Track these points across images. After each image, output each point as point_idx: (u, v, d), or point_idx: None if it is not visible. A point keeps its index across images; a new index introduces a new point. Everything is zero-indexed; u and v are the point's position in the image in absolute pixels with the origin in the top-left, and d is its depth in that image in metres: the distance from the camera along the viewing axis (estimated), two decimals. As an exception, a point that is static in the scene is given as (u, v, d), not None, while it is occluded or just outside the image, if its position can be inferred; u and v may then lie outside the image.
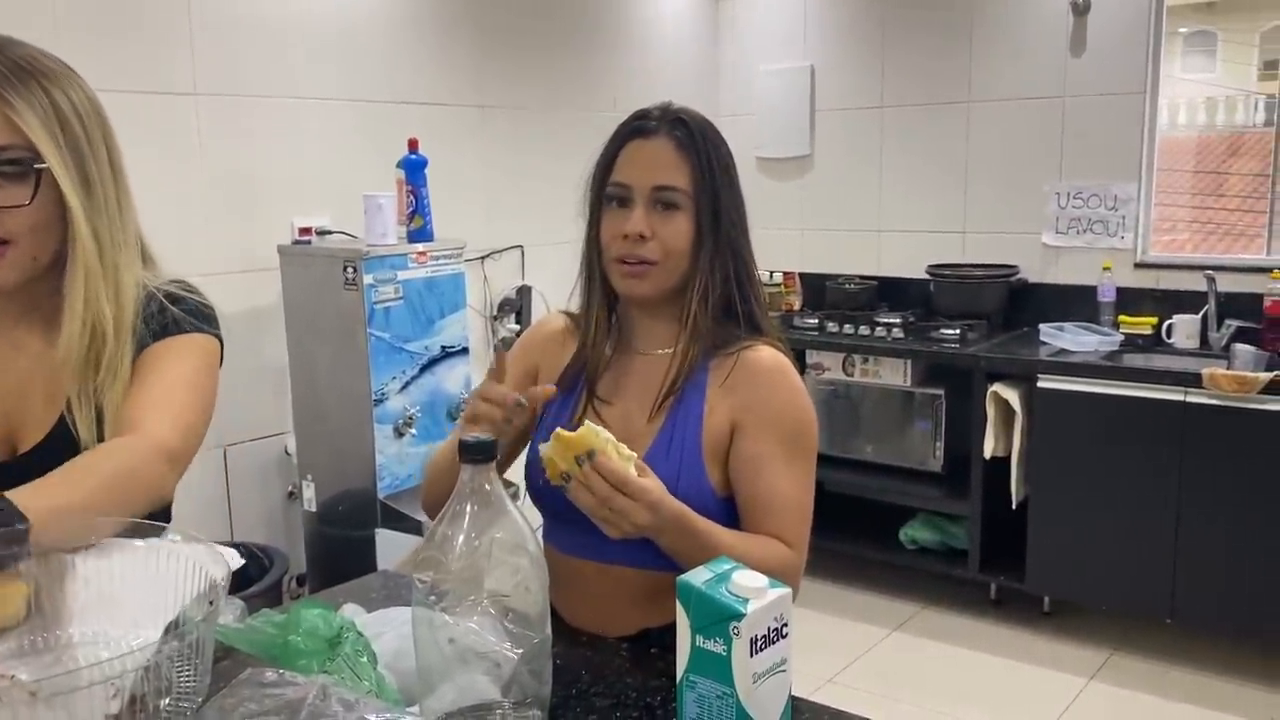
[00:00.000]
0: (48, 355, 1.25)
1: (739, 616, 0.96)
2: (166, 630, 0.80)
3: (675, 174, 1.37)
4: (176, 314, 1.28)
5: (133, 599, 0.93)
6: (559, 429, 1.17)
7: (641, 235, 1.37)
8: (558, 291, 3.82)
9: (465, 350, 3.11)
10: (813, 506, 1.41)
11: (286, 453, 3.13)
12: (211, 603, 0.80)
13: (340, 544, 3.01)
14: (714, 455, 1.39)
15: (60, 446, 1.22)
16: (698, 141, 1.39)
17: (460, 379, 3.09)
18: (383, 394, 2.88)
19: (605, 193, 1.42)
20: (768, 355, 1.41)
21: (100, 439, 1.21)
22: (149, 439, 1.14)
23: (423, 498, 1.53)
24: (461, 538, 0.95)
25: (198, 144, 2.88)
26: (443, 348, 3.03)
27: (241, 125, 2.97)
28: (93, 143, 1.21)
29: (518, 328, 3.76)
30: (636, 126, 1.42)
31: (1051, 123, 3.83)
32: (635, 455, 1.21)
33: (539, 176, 3.82)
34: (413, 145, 2.98)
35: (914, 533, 3.81)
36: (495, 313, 3.76)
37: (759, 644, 0.97)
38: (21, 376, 1.26)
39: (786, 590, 1.00)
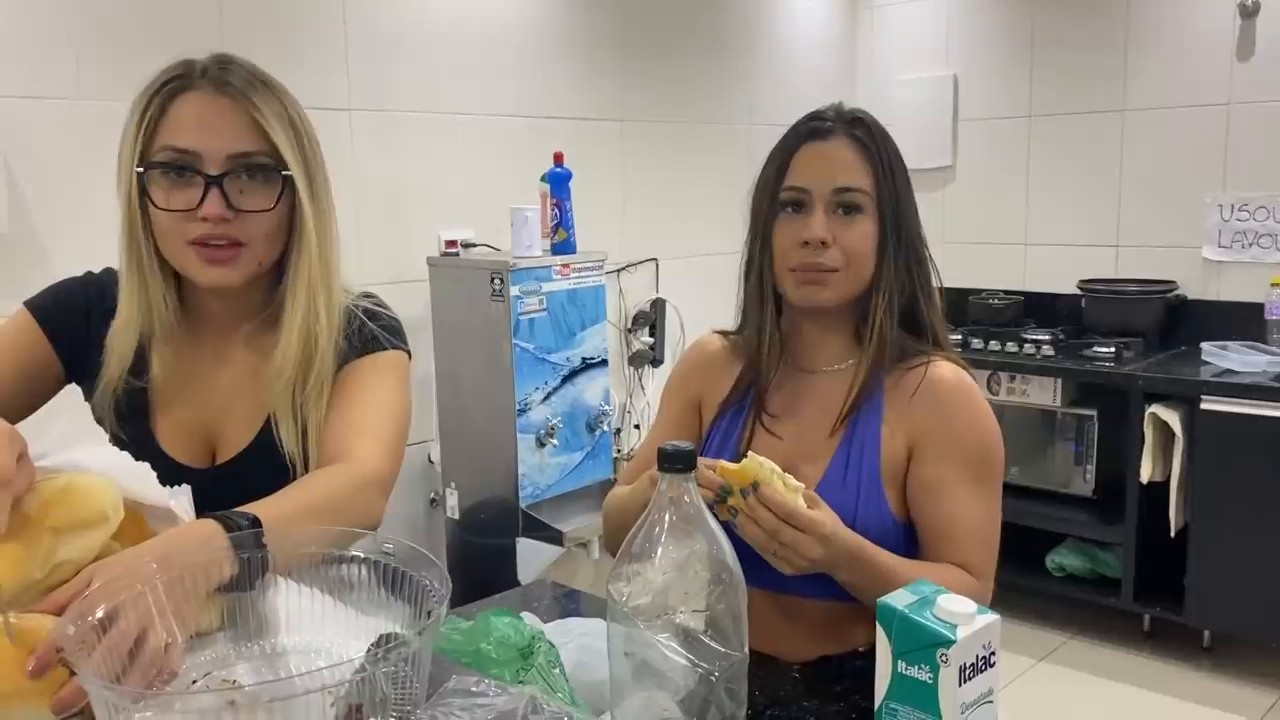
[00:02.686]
0: (252, 367, 1.27)
1: (948, 643, 0.91)
2: (377, 643, 0.80)
3: (856, 175, 1.30)
4: (374, 330, 1.29)
5: (341, 612, 0.93)
6: (722, 462, 1.13)
7: (823, 242, 1.30)
8: (690, 305, 3.82)
9: (605, 362, 3.11)
10: (998, 534, 1.34)
11: (430, 461, 3.18)
12: (430, 614, 0.79)
13: (481, 552, 3.04)
14: (892, 478, 1.32)
15: (261, 458, 1.24)
16: (877, 141, 1.32)
17: (599, 391, 3.10)
18: (526, 404, 2.90)
19: (779, 198, 1.35)
20: (950, 373, 1.34)
21: (304, 452, 1.23)
22: (361, 468, 1.15)
23: (606, 539, 1.49)
24: (660, 550, 0.93)
25: (350, 158, 2.96)
26: (583, 359, 3.04)
27: (392, 140, 3.04)
28: (318, 155, 1.24)
29: (651, 341, 3.75)
30: (812, 128, 1.35)
31: (1214, 131, 3.64)
32: (803, 486, 1.16)
33: (674, 189, 3.82)
34: (558, 159, 3.01)
35: (1062, 559, 3.65)
36: (630, 325, 3.76)
37: (968, 672, 0.92)
38: (226, 388, 1.29)
39: (995, 617, 0.95)
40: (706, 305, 3.61)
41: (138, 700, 0.71)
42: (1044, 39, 4.00)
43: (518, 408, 2.88)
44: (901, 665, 0.94)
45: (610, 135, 3.64)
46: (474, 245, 3.14)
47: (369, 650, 0.76)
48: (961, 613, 0.93)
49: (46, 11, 2.38)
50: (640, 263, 3.77)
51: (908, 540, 1.32)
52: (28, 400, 1.23)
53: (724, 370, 1.47)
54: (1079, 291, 3.84)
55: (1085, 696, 3.21)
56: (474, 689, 0.80)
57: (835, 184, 1.31)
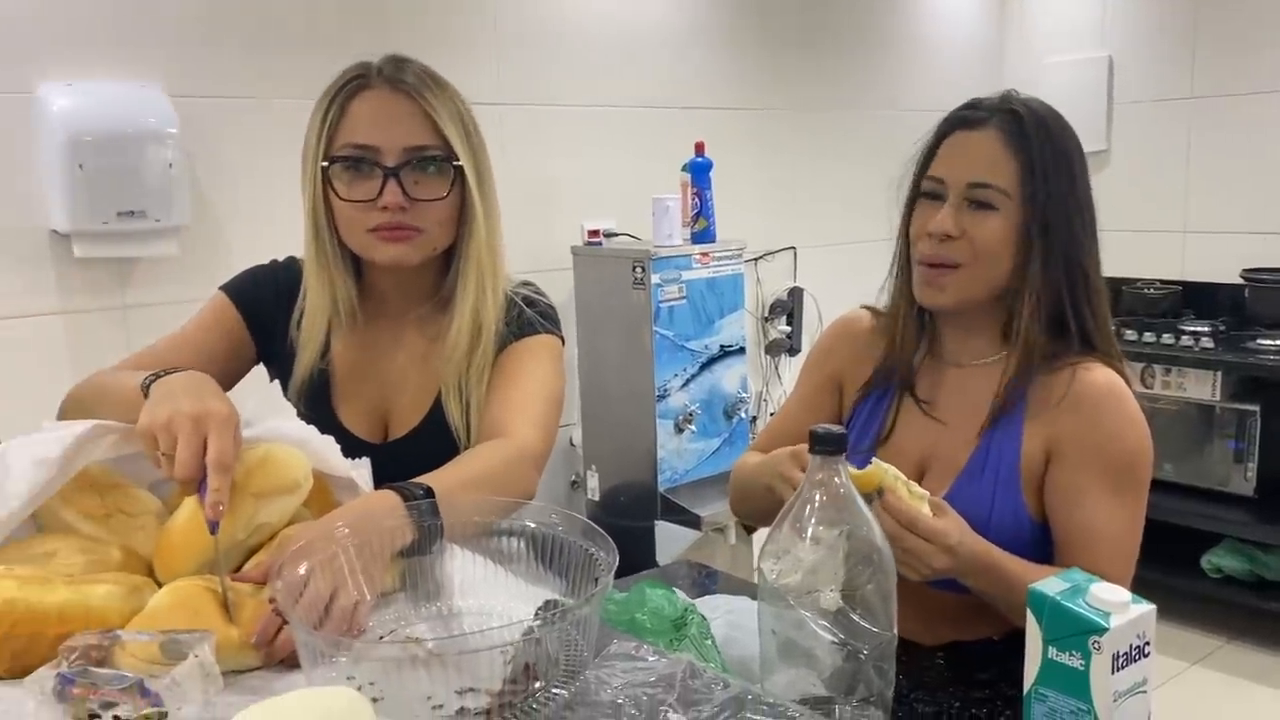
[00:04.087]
0: (423, 350, 1.36)
1: (1101, 631, 0.91)
2: (544, 608, 0.85)
3: (996, 171, 1.26)
4: (532, 316, 1.36)
5: (508, 579, 0.99)
6: (850, 469, 1.14)
7: (948, 234, 1.28)
8: (828, 294, 3.80)
9: (742, 350, 3.14)
10: (1138, 545, 1.30)
11: (571, 444, 3.27)
12: (598, 580, 0.84)
13: (620, 534, 3.08)
14: (1030, 479, 1.30)
15: (432, 433, 1.33)
16: (1031, 136, 1.26)
17: (737, 378, 3.13)
18: (665, 390, 2.95)
19: (921, 186, 1.34)
20: (1100, 377, 1.28)
21: (468, 428, 1.31)
22: (519, 444, 1.22)
23: (731, 503, 1.53)
24: (809, 530, 0.95)
25: (499, 151, 3.06)
26: (721, 347, 3.08)
27: (539, 133, 3.13)
28: (484, 148, 1.32)
29: (788, 329, 3.76)
30: (963, 116, 1.32)
31: (1399, 110, 3.41)
32: (928, 494, 1.15)
33: (813, 178, 3.81)
34: (699, 149, 3.05)
35: (1219, 560, 3.49)
36: (767, 314, 3.77)
37: (1120, 661, 0.92)
38: (399, 369, 1.38)
39: (1150, 607, 0.94)
40: (844, 294, 3.57)
41: (340, 648, 0.79)
42: (1209, 17, 3.81)
43: (657, 393, 2.94)
44: (1052, 651, 0.95)
45: (751, 124, 3.65)
46: (615, 234, 3.21)
47: (538, 613, 0.82)
48: (1115, 601, 0.92)
49: (224, 17, 2.55)
50: (778, 251, 3.77)
51: (1043, 540, 1.30)
52: (225, 379, 1.34)
53: (869, 349, 1.45)
54: (1242, 281, 3.65)
55: (1242, 702, 3.07)
56: (634, 653, 0.85)
57: (970, 178, 1.28)
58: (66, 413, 1.22)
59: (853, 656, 0.95)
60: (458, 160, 1.28)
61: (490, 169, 1.35)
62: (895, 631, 0.97)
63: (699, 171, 3.03)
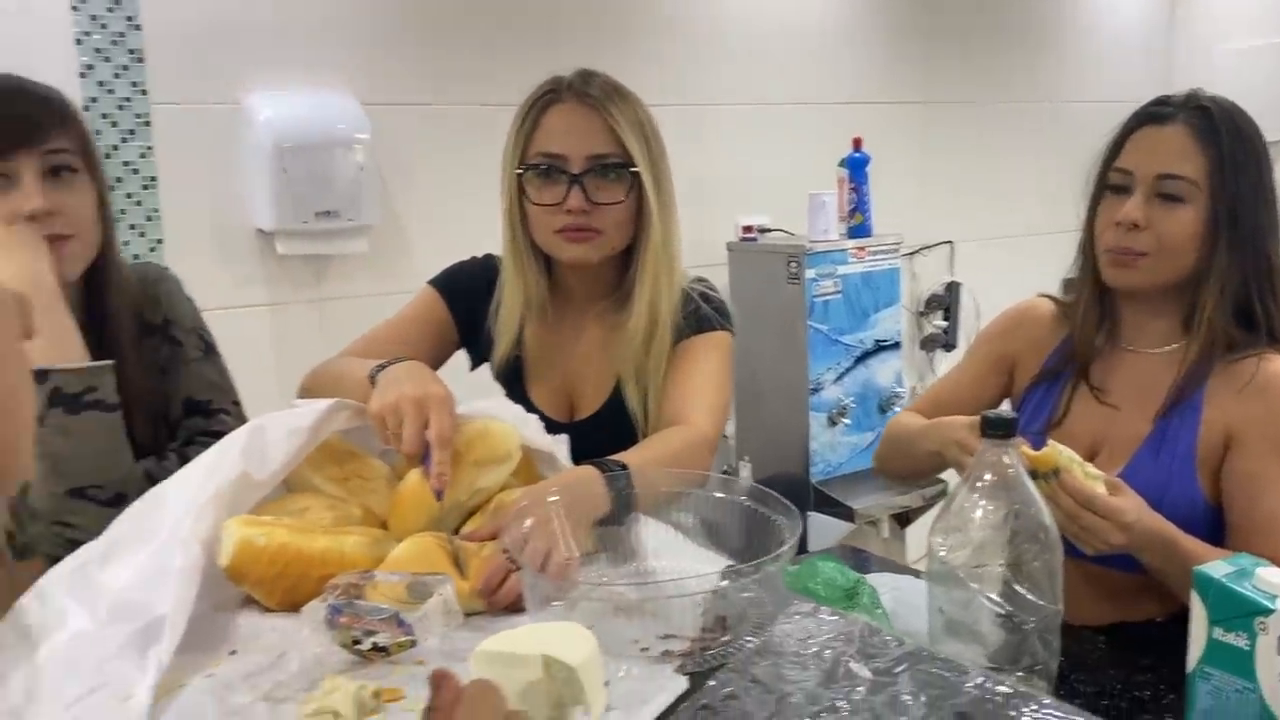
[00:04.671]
0: (605, 336, 1.48)
1: (1266, 612, 0.95)
2: (732, 569, 0.95)
3: (1184, 163, 1.32)
4: (708, 311, 1.47)
5: (688, 548, 1.10)
6: (1024, 448, 1.19)
7: (1135, 224, 1.33)
8: (987, 289, 3.77)
9: (898, 345, 3.16)
10: None
11: (724, 435, 3.36)
12: (783, 543, 0.94)
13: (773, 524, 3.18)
14: (1207, 465, 1.33)
15: (612, 416, 1.45)
16: (1220, 131, 1.31)
17: (891, 373, 3.16)
18: (819, 384, 3.01)
19: (1107, 179, 1.39)
20: None
21: (645, 413, 1.42)
22: (696, 430, 1.33)
23: (877, 460, 1.62)
24: (979, 510, 1.02)
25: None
26: (876, 341, 3.11)
27: (698, 132, 3.23)
28: (662, 153, 1.44)
29: (945, 325, 3.75)
30: (1151, 112, 1.37)
31: None
32: (1102, 475, 1.20)
33: (972, 171, 3.79)
34: (857, 144, 3.09)
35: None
36: (922, 309, 3.77)
37: (1287, 642, 0.95)
38: (582, 356, 1.51)
39: (1319, 591, 0.97)
40: (1003, 288, 3.56)
41: (564, 592, 0.90)
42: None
43: (811, 387, 3.00)
44: (1218, 632, 0.99)
45: (909, 118, 3.66)
46: (769, 230, 3.28)
47: (735, 570, 0.92)
48: (1282, 584, 0.96)
49: (410, 30, 2.75)
50: (934, 245, 3.77)
51: (1216, 525, 1.32)
52: (431, 363, 1.49)
53: (1047, 336, 1.52)
54: None
55: None
56: (813, 613, 0.94)
57: (1159, 170, 1.33)
58: (305, 394, 1.38)
59: (1018, 629, 1.01)
60: (635, 167, 1.39)
61: (668, 173, 1.46)
62: (1060, 606, 1.03)
63: (856, 167, 3.08)
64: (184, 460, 1.28)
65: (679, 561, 1.05)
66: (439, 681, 0.60)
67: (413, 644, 0.90)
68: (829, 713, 0.78)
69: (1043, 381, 1.50)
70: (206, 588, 0.96)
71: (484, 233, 1.69)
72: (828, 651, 0.87)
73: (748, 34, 3.30)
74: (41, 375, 1.12)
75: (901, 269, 3.23)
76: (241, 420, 1.44)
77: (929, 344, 3.76)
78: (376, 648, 0.90)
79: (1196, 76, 4.09)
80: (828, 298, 3.00)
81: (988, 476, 1.02)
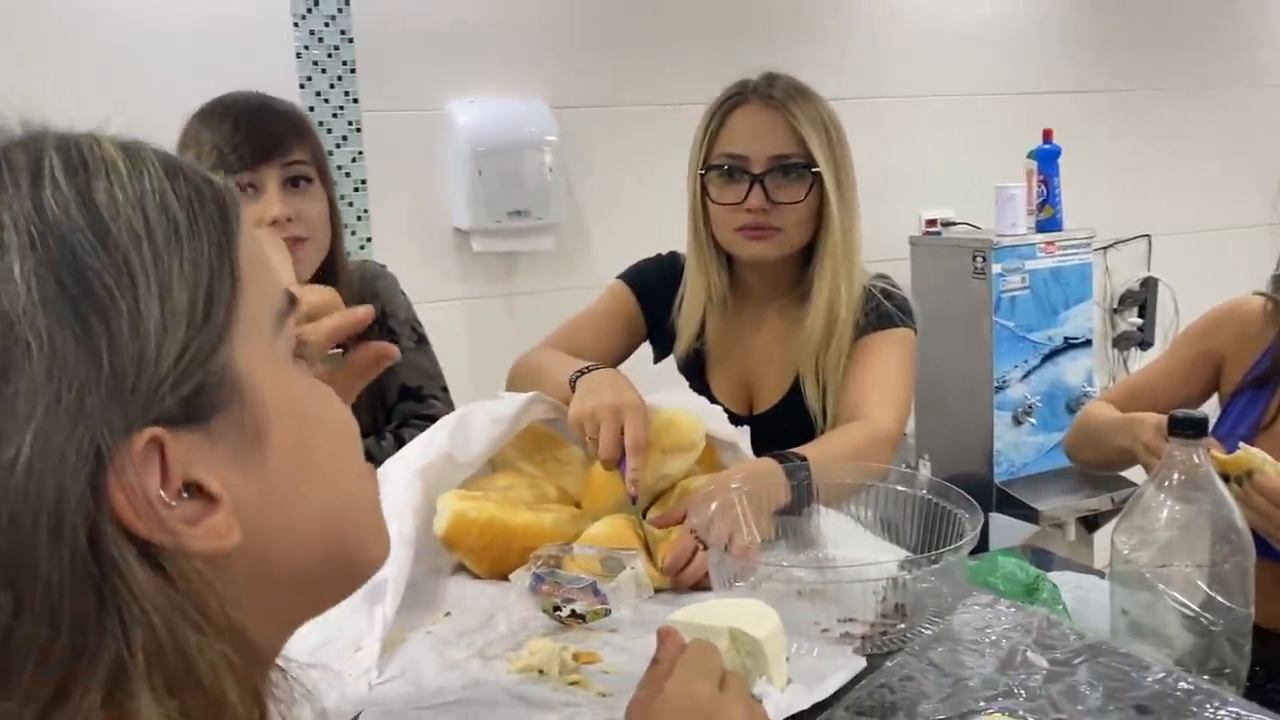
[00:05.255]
0: (785, 331, 1.52)
1: None
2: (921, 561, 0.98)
3: None
4: (889, 309, 1.49)
5: (867, 539, 1.13)
6: (1215, 452, 1.16)
7: None
8: (1187, 285, 3.58)
9: (1088, 342, 3.06)
10: None
11: (904, 433, 3.33)
12: (963, 535, 0.96)
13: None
14: None
15: (790, 410, 1.49)
16: None
17: (1082, 372, 3.05)
18: (1004, 381, 2.95)
19: None
20: None
21: (824, 409, 1.46)
22: (876, 426, 1.36)
23: (1068, 446, 1.59)
24: (1165, 510, 1.01)
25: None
26: (1066, 339, 3.02)
27: (879, 125, 3.21)
28: (844, 151, 1.46)
29: (1140, 322, 3.59)
30: None
31: None
32: None
33: (1170, 162, 3.60)
34: (1047, 135, 3.00)
35: None
36: (1115, 305, 3.62)
37: None
38: (762, 350, 1.56)
39: None
40: (1207, 284, 3.38)
41: (748, 572, 0.96)
42: None
43: (995, 385, 2.94)
44: None
45: (1101, 107, 3.52)
46: (954, 224, 3.23)
47: (915, 559, 0.95)
48: None
49: (596, 37, 2.86)
50: (1129, 240, 3.61)
51: None
52: (621, 353, 1.58)
53: (1257, 336, 1.45)
54: None
55: None
56: (991, 603, 0.96)
57: None
58: (511, 384, 1.49)
59: (1205, 631, 1.00)
60: (816, 167, 1.42)
61: (850, 171, 1.48)
62: (1251, 610, 1.01)
63: (1046, 159, 2.99)
64: (399, 441, 1.41)
65: (857, 551, 1.09)
66: (664, 637, 0.66)
67: (607, 613, 0.98)
68: (1005, 697, 0.80)
69: (1246, 389, 1.44)
70: (422, 554, 1.07)
71: (664, 229, 1.76)
72: (1005, 641, 0.89)
73: (931, 26, 3.25)
74: None
75: (1094, 264, 3.12)
76: (449, 405, 1.57)
77: (1122, 342, 3.60)
78: (575, 614, 0.98)
79: None
80: (1015, 293, 2.93)
81: (1176, 476, 1.01)
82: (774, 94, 1.46)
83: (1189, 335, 1.56)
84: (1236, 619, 1.00)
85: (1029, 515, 2.91)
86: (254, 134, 1.37)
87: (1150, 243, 3.64)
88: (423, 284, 2.76)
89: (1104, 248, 3.52)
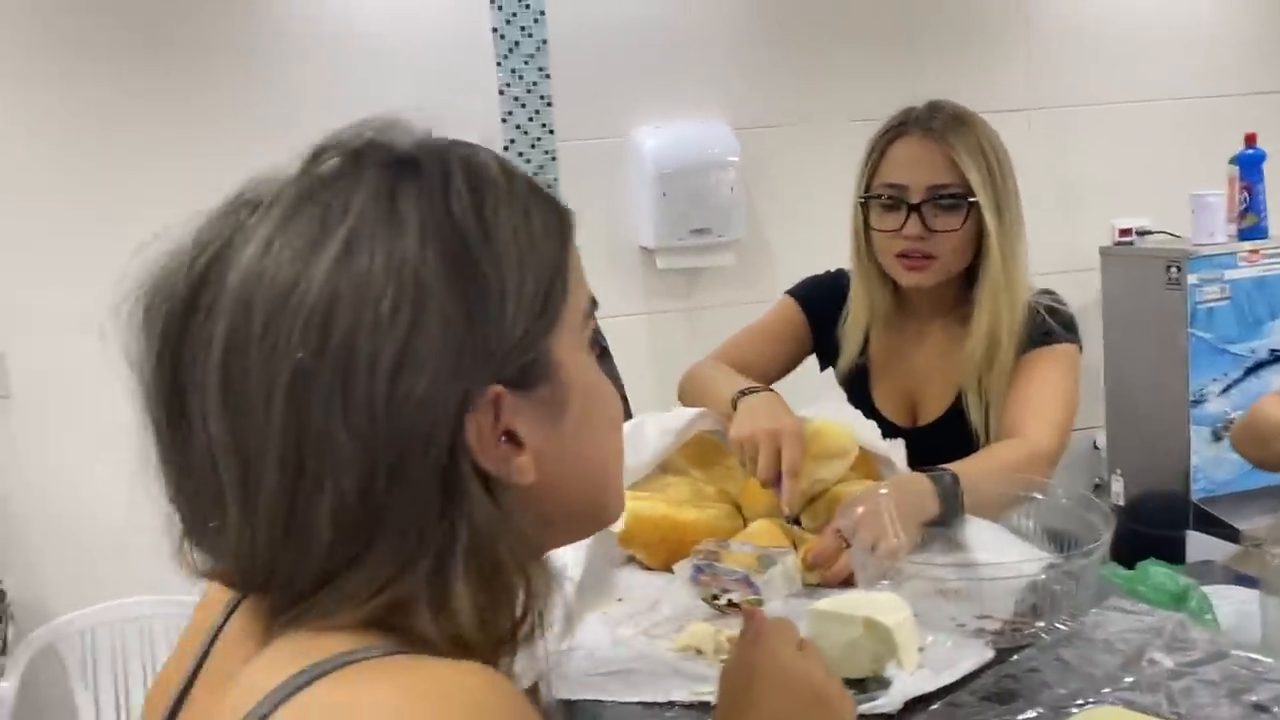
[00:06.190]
0: (947, 347, 1.57)
1: None
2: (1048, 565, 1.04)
3: None
4: (1053, 325, 1.51)
5: (1013, 546, 1.19)
6: None
7: None
8: None
9: (1298, 355, 2.91)
10: None
11: (1095, 446, 3.25)
12: (1094, 543, 1.01)
13: (1147, 541, 3.02)
14: None
15: (953, 426, 1.54)
16: None
17: (1291, 386, 2.90)
18: (1202, 395, 2.84)
19: None
20: None
21: (986, 425, 1.50)
22: (1033, 444, 1.39)
23: (1241, 440, 1.59)
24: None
25: (1026, 156, 3.13)
26: (1271, 351, 2.88)
27: (1068, 134, 3.16)
28: (1005, 176, 1.51)
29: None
30: None
31: None
32: None
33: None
34: (1250, 140, 2.88)
35: None
36: (1335, 315, 3.40)
37: None
38: (925, 361, 1.61)
39: None
40: None
41: (889, 572, 1.04)
42: None
43: (1192, 399, 2.84)
44: None
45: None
46: (1150, 233, 3.13)
47: (1047, 562, 1.01)
48: None
49: (775, 60, 2.96)
50: (1350, 246, 3.38)
51: None
52: (787, 366, 1.68)
53: None
54: None
55: None
56: (1130, 608, 1.00)
57: None
58: (681, 395, 1.61)
59: (1359, 645, 1.00)
60: (973, 196, 1.47)
61: (1013, 196, 1.51)
62: None
63: (1249, 164, 2.87)
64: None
65: (1002, 555, 1.15)
66: (749, 614, 0.78)
67: (760, 603, 1.08)
68: (1125, 690, 0.85)
69: None
70: (599, 547, 1.20)
71: (841, 242, 1.82)
72: (1135, 641, 0.93)
73: (1120, 30, 3.17)
74: None
75: (1305, 273, 2.95)
76: (628, 414, 1.71)
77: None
78: (731, 603, 1.09)
79: None
80: (1213, 304, 2.83)
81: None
82: (933, 125, 1.51)
83: None
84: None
85: (1229, 534, 2.78)
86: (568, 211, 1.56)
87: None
88: (611, 299, 2.94)
89: (1320, 255, 3.31)
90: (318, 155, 0.59)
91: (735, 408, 1.39)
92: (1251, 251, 2.83)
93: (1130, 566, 2.86)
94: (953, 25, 3.06)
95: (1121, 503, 3.11)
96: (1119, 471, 3.11)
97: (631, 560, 1.27)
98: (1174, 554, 2.88)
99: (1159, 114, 3.22)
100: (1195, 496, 2.87)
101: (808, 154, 2.97)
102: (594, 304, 0.66)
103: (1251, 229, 2.87)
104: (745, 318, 1.80)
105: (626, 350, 2.93)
